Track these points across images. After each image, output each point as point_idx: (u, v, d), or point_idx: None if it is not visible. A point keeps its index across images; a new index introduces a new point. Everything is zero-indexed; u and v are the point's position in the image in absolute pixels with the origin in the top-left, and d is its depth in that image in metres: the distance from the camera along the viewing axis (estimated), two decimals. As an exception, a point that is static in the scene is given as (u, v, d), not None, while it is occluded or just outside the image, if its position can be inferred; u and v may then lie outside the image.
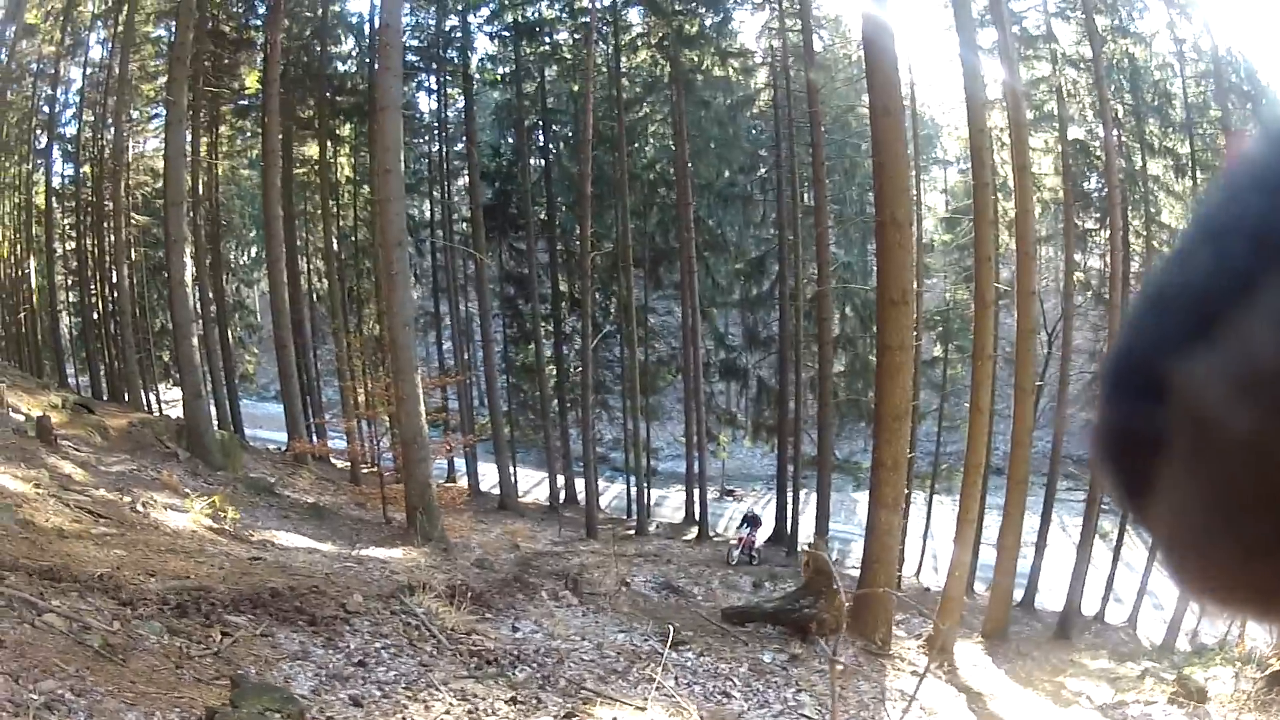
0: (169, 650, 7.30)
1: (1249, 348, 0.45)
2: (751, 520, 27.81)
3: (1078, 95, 29.45)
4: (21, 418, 18.15)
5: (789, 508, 30.59)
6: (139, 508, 13.98)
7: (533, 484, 39.03)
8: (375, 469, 23.63)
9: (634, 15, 35.04)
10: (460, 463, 36.24)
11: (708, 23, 33.18)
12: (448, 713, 7.55)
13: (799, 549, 26.52)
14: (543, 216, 36.85)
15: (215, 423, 28.55)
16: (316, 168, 35.80)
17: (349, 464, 28.96)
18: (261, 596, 9.40)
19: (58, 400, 22.67)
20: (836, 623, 12.60)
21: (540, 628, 11.29)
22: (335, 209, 37.41)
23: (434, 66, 36.34)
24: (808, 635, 13.03)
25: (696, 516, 31.70)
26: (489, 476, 34.60)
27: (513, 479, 33.63)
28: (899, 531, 15.94)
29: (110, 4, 35.48)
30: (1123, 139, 28.52)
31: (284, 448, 30.86)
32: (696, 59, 33.46)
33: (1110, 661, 18.11)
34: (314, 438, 31.15)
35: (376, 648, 8.83)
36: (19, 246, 41.49)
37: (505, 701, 8.07)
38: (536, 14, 35.55)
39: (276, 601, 9.36)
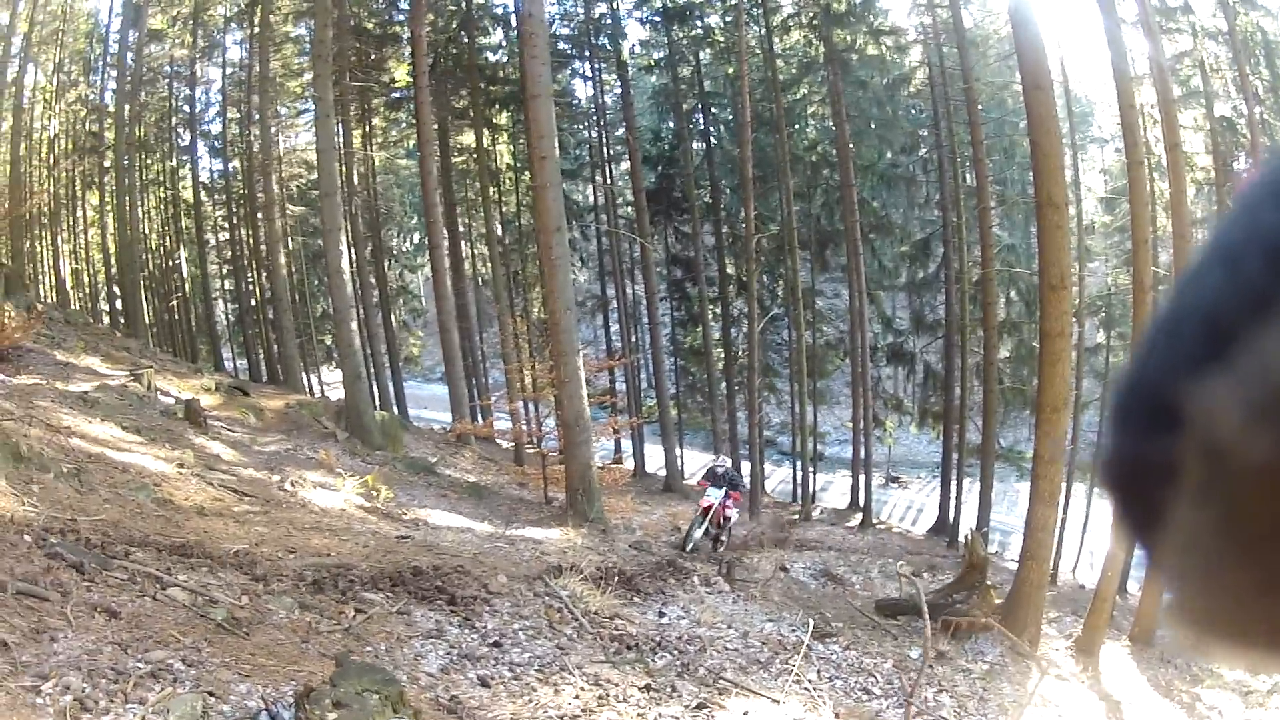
0: (296, 625, 7.45)
1: (1265, 370, 0.44)
2: (722, 478, 19.76)
3: (1219, 70, 28.42)
4: (171, 400, 18.95)
5: (952, 497, 29.98)
6: (287, 486, 14.41)
7: (699, 466, 38.89)
8: (539, 450, 23.91)
9: None
10: (627, 444, 36.49)
11: (856, 0, 32.77)
12: (577, 697, 7.53)
13: (960, 540, 25.58)
14: (707, 199, 36.87)
15: (377, 404, 29.41)
16: (475, 156, 36.43)
17: (513, 445, 29.41)
18: (402, 575, 9.55)
19: (210, 384, 23.56)
20: (987, 620, 12.41)
21: (687, 614, 11.24)
22: (497, 195, 38.10)
23: (586, 54, 36.91)
24: (957, 632, 12.75)
25: (861, 503, 31.25)
26: (656, 458, 34.72)
27: (679, 461, 33.71)
28: (1055, 527, 15.39)
29: (243, 6, 37.15)
30: (1264, 116, 27.27)
31: (448, 428, 31.48)
32: (849, 38, 33.09)
33: (1246, 673, 17.39)
34: (478, 419, 31.80)
35: (514, 629, 8.87)
36: (168, 238, 44.01)
37: (639, 689, 8.02)
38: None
39: (417, 580, 9.49)
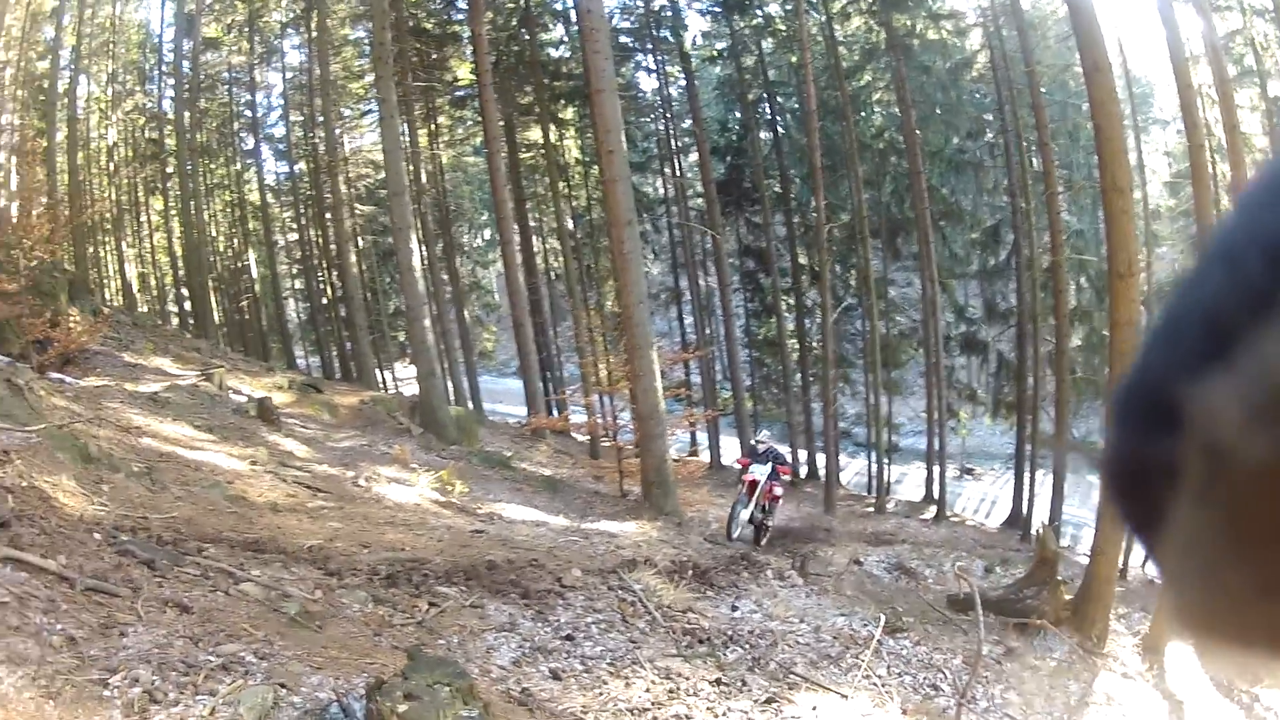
0: (370, 619, 7.51)
1: (1266, 370, 0.44)
2: (766, 455, 18.53)
3: (1269, 49, 27.93)
4: (243, 399, 19.22)
5: (1025, 490, 29.65)
6: (361, 482, 14.55)
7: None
8: (614, 443, 23.97)
9: None
10: (702, 436, 36.53)
11: None
12: (647, 690, 7.53)
13: (1032, 534, 25.14)
14: (777, 189, 36.91)
15: (452, 399, 29.66)
16: (543, 151, 36.67)
17: (589, 438, 29.52)
18: (477, 569, 9.60)
19: (283, 381, 23.90)
20: (1056, 616, 12.25)
21: (760, 608, 11.20)
22: (566, 190, 38.37)
23: (649, 46, 37.04)
24: (1026, 628, 12.61)
25: (935, 495, 31.11)
26: (731, 451, 34.58)
27: (754, 454, 33.59)
28: (1126, 521, 15.10)
29: (299, 12, 37.81)
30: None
31: (523, 422, 31.68)
32: (909, 23, 32.88)
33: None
34: (554, 412, 32.00)
35: (587, 623, 8.90)
36: (236, 240, 44.95)
37: (710, 682, 8.00)
38: None
39: (491, 574, 9.54)
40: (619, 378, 22.96)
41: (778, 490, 18.62)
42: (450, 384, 32.87)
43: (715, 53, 38.27)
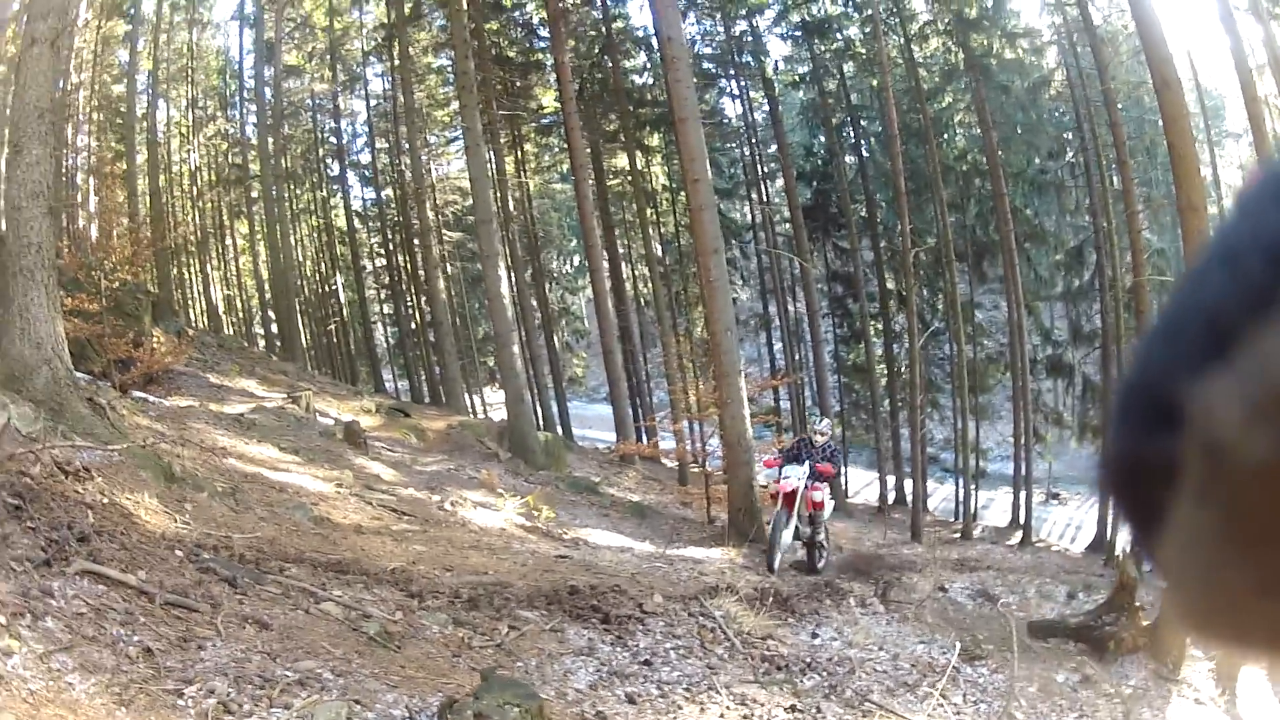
0: (449, 640, 7.61)
1: (1266, 370, 0.44)
2: (806, 452, 15.78)
3: None
4: (330, 422, 19.54)
5: (1110, 515, 29.17)
6: (447, 506, 14.73)
7: (863, 484, 38.87)
8: (702, 469, 23.97)
9: (918, 2, 34.82)
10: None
11: (988, 3, 32.44)
12: (721, 716, 7.52)
13: (1115, 558, 24.58)
14: (863, 214, 36.78)
15: (541, 425, 29.88)
16: (630, 178, 36.91)
17: (677, 464, 29.57)
18: (559, 593, 9.67)
19: (371, 405, 24.26)
20: (1134, 642, 12.07)
21: (840, 635, 11.15)
22: (655, 216, 38.55)
23: (731, 72, 37.26)
24: (1105, 655, 12.42)
25: (1021, 521, 30.73)
26: (821, 479, 34.49)
27: (842, 479, 33.40)
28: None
29: (380, 41, 38.54)
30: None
31: (612, 448, 31.83)
32: (985, 42, 32.71)
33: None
34: (643, 438, 32.17)
35: (666, 648, 8.92)
36: (323, 264, 45.95)
37: (784, 709, 7.98)
38: (822, 11, 35.77)
39: (573, 599, 9.61)
40: (708, 404, 22.99)
41: (818, 495, 15.69)
42: (539, 409, 33.09)
43: (797, 77, 38.21)
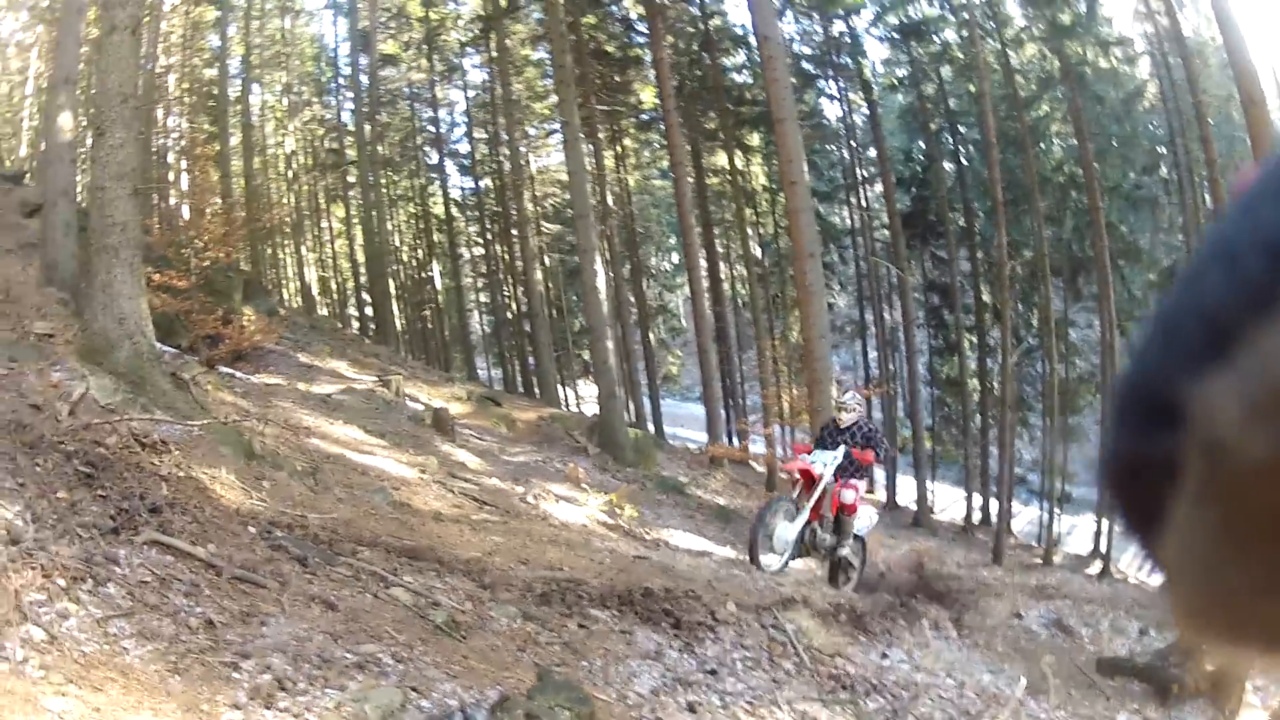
0: (515, 634, 7.67)
1: (1265, 368, 0.45)
2: (842, 435, 13.10)
3: None
4: (420, 407, 19.79)
5: None
6: (529, 498, 14.84)
7: (950, 501, 38.46)
8: (790, 476, 23.90)
9: (1012, 7, 34.32)
10: (880, 474, 36.04)
11: (1081, 9, 31.96)
12: (780, 733, 7.60)
13: None
14: (961, 223, 36.52)
15: (632, 421, 29.99)
16: (729, 177, 37.04)
17: (766, 469, 29.54)
18: (632, 595, 9.69)
19: (462, 393, 24.53)
20: (1196, 685, 11.84)
21: (910, 658, 11.04)
22: (754, 217, 38.67)
23: (830, 73, 37.03)
24: (1168, 699, 12.20)
25: (1102, 550, 30.47)
26: (907, 491, 34.46)
27: (929, 495, 33.36)
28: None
29: (478, 32, 38.88)
30: None
31: (702, 448, 31.87)
32: (1080, 50, 32.22)
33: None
34: (734, 441, 32.19)
35: (733, 659, 8.89)
36: (420, 251, 46.92)
37: (844, 730, 8.04)
38: (919, 13, 35.51)
39: (646, 601, 9.62)
40: (799, 410, 22.94)
41: (848, 495, 12.78)
42: (632, 406, 33.24)
43: (895, 80, 37.92)
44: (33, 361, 8.94)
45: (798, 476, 13.13)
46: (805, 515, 12.87)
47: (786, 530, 12.90)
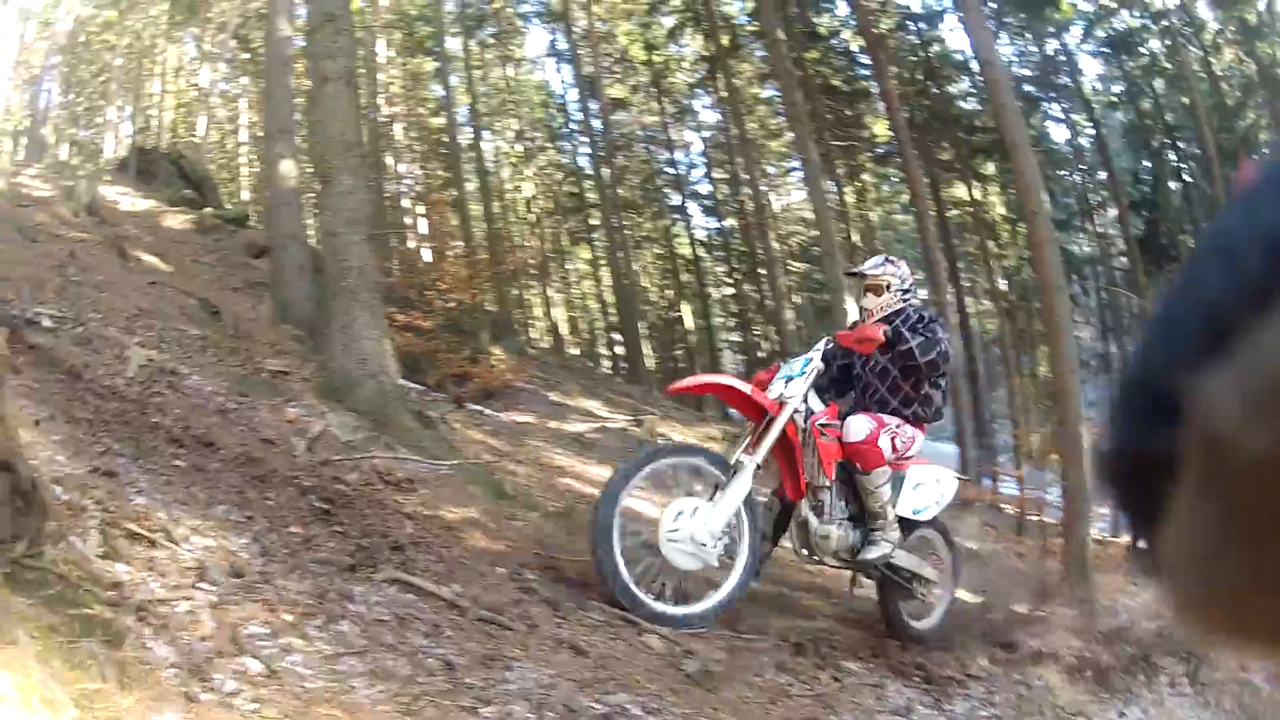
0: (767, 686, 7.34)
1: (1265, 361, 0.45)
2: (838, 354, 7.93)
3: None
4: (673, 447, 19.68)
5: None
6: (785, 542, 14.50)
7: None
8: (1040, 519, 23.21)
9: (1204, 9, 32.55)
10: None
11: (1260, 6, 30.26)
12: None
13: None
14: (1193, 245, 34.47)
15: (887, 461, 29.58)
16: (969, 209, 36.46)
17: (1016, 512, 28.71)
18: (885, 645, 9.33)
19: (716, 432, 24.29)
20: None
21: (1147, 715, 10.48)
22: (996, 248, 37.83)
23: (1050, 94, 35.65)
24: None
25: None
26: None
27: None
28: None
29: (704, 74, 39.05)
30: None
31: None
32: (1271, 52, 30.49)
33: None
34: (985, 483, 31.43)
35: (981, 715, 8.55)
36: (669, 291, 47.27)
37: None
38: (1123, 24, 33.88)
39: (900, 654, 9.26)
40: (1049, 450, 22.26)
41: (858, 427, 7.43)
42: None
43: (1112, 98, 36.42)
44: (265, 397, 9.00)
45: (746, 417, 7.83)
46: (738, 488, 7.17)
47: (692, 525, 7.02)
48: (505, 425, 15.84)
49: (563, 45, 40.84)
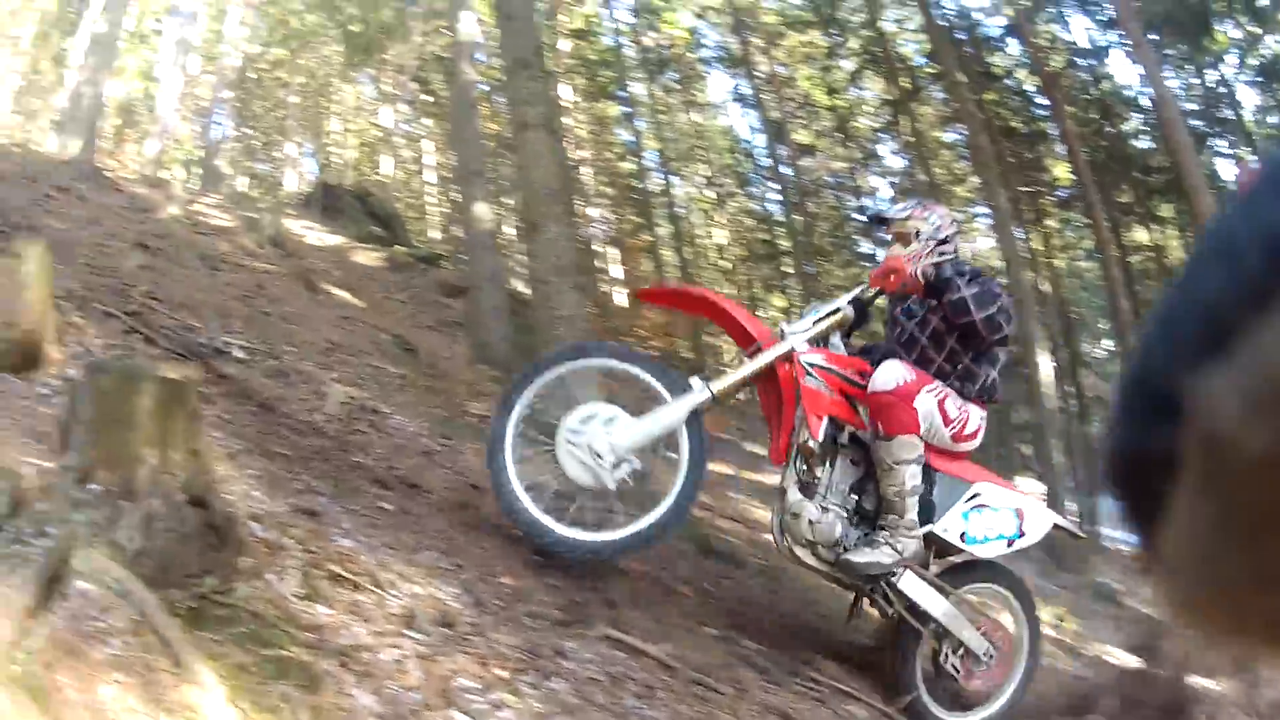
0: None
1: (1265, 362, 0.45)
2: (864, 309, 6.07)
3: None
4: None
5: None
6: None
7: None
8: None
9: None
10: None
11: None
12: None
13: None
14: None
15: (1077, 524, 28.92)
16: (1151, 254, 35.48)
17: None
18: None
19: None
20: None
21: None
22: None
23: (1215, 128, 34.47)
24: None
25: None
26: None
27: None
28: None
29: (889, 118, 38.61)
30: None
31: (1135, 550, 30.32)
32: None
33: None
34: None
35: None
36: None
37: None
38: (1269, 51, 32.36)
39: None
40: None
41: (889, 374, 5.41)
42: (1075, 506, 32.03)
43: (1271, 130, 35.14)
44: (470, 440, 9.08)
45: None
46: (675, 409, 5.59)
47: (597, 432, 5.60)
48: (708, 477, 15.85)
49: (745, 90, 40.95)
